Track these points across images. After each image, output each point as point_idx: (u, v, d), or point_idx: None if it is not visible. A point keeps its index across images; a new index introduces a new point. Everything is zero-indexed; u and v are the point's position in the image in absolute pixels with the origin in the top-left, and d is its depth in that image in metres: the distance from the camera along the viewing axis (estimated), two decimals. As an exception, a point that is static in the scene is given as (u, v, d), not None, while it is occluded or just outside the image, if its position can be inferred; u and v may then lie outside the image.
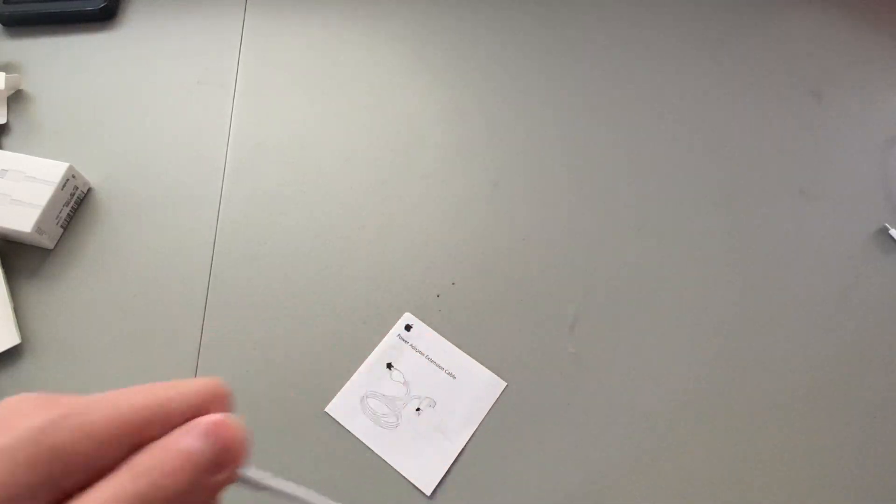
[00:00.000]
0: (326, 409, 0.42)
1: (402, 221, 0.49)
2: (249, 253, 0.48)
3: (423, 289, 0.47)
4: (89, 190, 0.50)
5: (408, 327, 0.45)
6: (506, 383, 0.43)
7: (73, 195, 0.48)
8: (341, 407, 0.42)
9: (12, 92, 0.54)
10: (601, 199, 0.51)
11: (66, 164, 0.47)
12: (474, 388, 0.43)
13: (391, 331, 0.45)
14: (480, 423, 0.42)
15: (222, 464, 0.15)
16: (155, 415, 0.14)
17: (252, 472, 0.17)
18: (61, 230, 0.48)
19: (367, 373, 0.43)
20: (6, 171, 0.46)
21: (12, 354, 0.43)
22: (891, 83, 0.58)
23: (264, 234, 0.48)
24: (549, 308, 0.46)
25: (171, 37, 0.58)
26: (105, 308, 0.45)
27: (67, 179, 0.47)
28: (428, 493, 0.40)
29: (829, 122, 0.56)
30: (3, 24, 0.58)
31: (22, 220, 0.44)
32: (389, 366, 0.44)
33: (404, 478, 0.40)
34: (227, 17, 0.59)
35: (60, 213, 0.47)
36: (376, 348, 0.44)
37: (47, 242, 0.46)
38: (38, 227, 0.45)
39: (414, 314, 0.46)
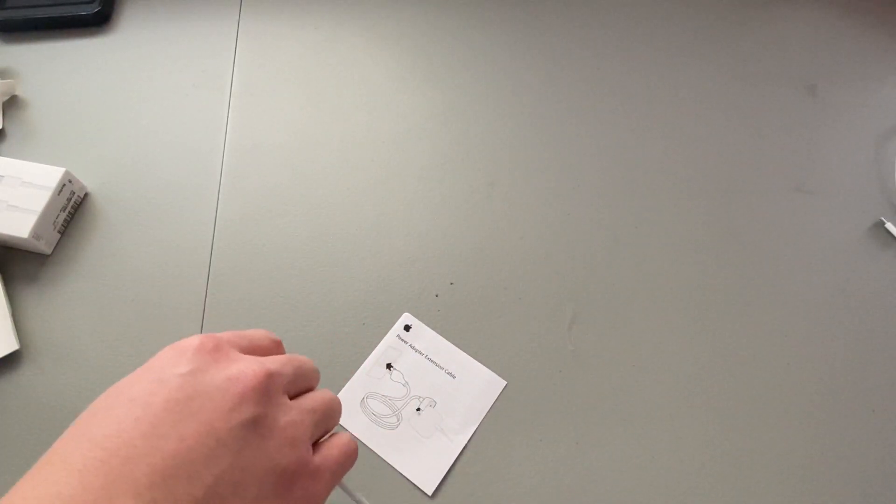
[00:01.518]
0: (327, 411, 0.42)
1: (399, 222, 0.49)
2: (247, 255, 0.48)
3: (421, 289, 0.47)
4: (86, 195, 0.50)
5: (407, 327, 0.45)
6: (506, 382, 0.43)
7: (69, 200, 0.48)
8: (341, 408, 0.42)
9: (7, 97, 0.54)
10: (597, 198, 0.51)
11: (63, 170, 0.47)
12: (474, 387, 0.43)
13: (390, 331, 0.45)
14: (481, 422, 0.42)
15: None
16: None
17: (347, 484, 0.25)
18: (58, 235, 0.48)
19: (367, 373, 0.43)
20: (2, 176, 0.46)
21: (11, 360, 0.43)
22: (885, 77, 0.58)
23: (262, 236, 0.48)
24: (548, 306, 0.46)
25: (167, 40, 0.57)
26: (103, 312, 0.45)
27: (64, 184, 0.47)
28: (429, 492, 0.40)
29: (824, 116, 0.56)
30: (-3, 30, 0.58)
31: (19, 225, 0.44)
32: (389, 366, 0.44)
33: (406, 478, 0.40)
34: (222, 19, 0.59)
35: (57, 218, 0.47)
36: (375, 349, 0.44)
37: (45, 248, 0.46)
38: (35, 233, 0.45)
39: (413, 314, 0.46)
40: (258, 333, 0.24)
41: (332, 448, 0.23)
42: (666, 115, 0.55)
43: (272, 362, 0.21)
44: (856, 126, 0.55)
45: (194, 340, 0.21)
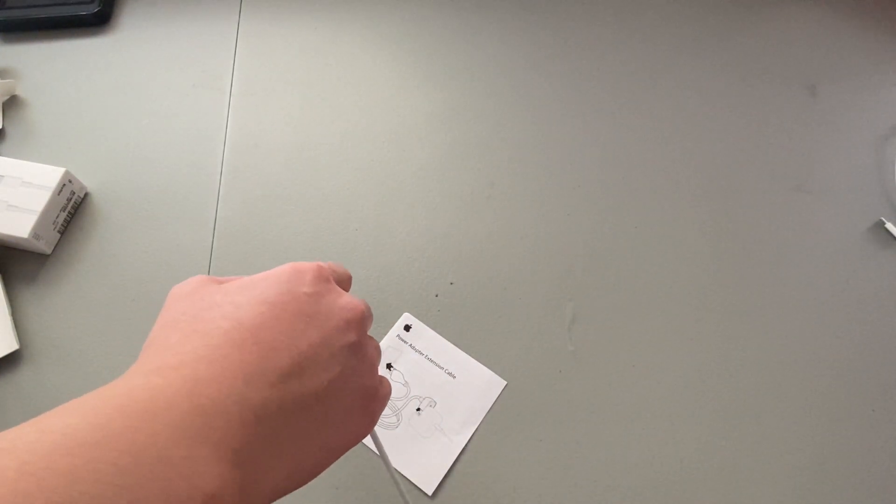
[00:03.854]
0: (327, 411, 0.42)
1: (399, 222, 0.49)
2: (247, 255, 0.48)
3: (421, 289, 0.47)
4: (86, 195, 0.50)
5: (407, 327, 0.45)
6: (506, 382, 0.43)
7: (69, 200, 0.48)
8: (341, 408, 0.42)
9: (7, 97, 0.54)
10: (598, 197, 0.51)
11: (63, 169, 0.47)
12: (474, 387, 0.43)
13: (390, 331, 0.45)
14: (481, 422, 0.42)
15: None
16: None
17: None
18: (58, 235, 0.48)
19: (367, 374, 0.43)
20: (2, 176, 0.46)
21: (11, 360, 0.43)
22: (885, 77, 0.58)
23: (262, 236, 0.48)
24: (548, 306, 0.46)
25: (167, 40, 0.57)
26: (103, 313, 0.45)
27: (64, 184, 0.47)
28: (430, 492, 0.40)
29: (824, 116, 0.56)
30: (-3, 30, 0.58)
31: (19, 225, 0.44)
32: (389, 366, 0.44)
33: (406, 478, 0.40)
34: (223, 19, 0.59)
35: (57, 218, 0.47)
36: (376, 349, 0.44)
37: (44, 248, 0.46)
38: (35, 233, 0.45)
39: (413, 314, 0.46)
40: (343, 269, 0.29)
41: (385, 385, 0.27)
42: (666, 115, 0.55)
43: (362, 302, 0.26)
44: (856, 126, 0.55)
45: (312, 266, 0.24)
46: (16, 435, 0.15)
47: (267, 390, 0.19)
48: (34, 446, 0.15)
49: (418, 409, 0.42)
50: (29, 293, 0.46)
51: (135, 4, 0.59)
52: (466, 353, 0.44)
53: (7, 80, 0.53)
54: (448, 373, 0.44)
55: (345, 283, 0.29)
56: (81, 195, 0.49)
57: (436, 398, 0.43)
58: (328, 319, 0.23)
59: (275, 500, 0.21)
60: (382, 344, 0.44)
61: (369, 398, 0.25)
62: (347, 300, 0.24)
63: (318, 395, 0.21)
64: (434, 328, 0.45)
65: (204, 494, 0.17)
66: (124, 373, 0.20)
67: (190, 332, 0.20)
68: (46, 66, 0.56)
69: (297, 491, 0.32)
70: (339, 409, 0.23)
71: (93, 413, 0.16)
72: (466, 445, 0.41)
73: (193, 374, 0.18)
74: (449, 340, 0.45)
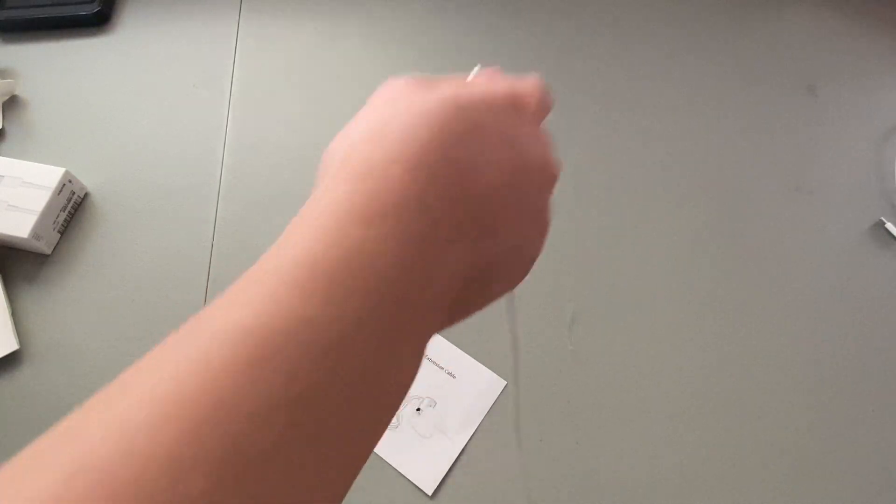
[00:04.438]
0: (327, 411, 0.42)
1: (399, 222, 0.49)
2: (247, 255, 0.48)
3: (421, 289, 0.46)
4: (86, 195, 0.50)
5: (407, 327, 0.45)
6: (506, 382, 0.43)
7: (69, 200, 0.48)
8: (341, 408, 0.42)
9: (7, 97, 0.54)
10: (597, 197, 0.51)
11: (63, 170, 0.47)
12: (474, 387, 0.43)
13: (390, 331, 0.45)
14: (481, 422, 0.42)
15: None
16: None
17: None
18: (58, 235, 0.48)
19: (367, 374, 0.43)
20: (2, 177, 0.46)
21: (11, 360, 0.43)
22: (885, 77, 0.58)
23: (262, 236, 0.48)
24: (548, 307, 0.46)
25: (167, 40, 0.57)
26: (103, 313, 0.45)
27: (64, 184, 0.47)
28: (429, 492, 0.40)
29: (824, 117, 0.56)
30: (-3, 30, 0.58)
31: (19, 225, 0.44)
32: (389, 366, 0.44)
33: (406, 478, 0.40)
34: (223, 20, 0.59)
35: (57, 218, 0.47)
36: (376, 349, 0.44)
37: (44, 248, 0.46)
38: (35, 233, 0.45)
39: (413, 314, 0.45)
40: None
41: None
42: (666, 115, 0.55)
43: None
44: (856, 126, 0.55)
45: (535, 93, 0.22)
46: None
47: (462, 251, 0.18)
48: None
49: (418, 409, 0.42)
50: (29, 293, 0.46)
51: (135, 4, 0.59)
52: (467, 353, 0.44)
53: (7, 80, 0.53)
54: (448, 373, 0.43)
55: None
56: (81, 195, 0.49)
57: (436, 398, 0.43)
58: (533, 179, 0.21)
59: None
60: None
61: (530, 264, 0.23)
62: (553, 155, 0.22)
63: (497, 264, 0.20)
64: (434, 328, 0.45)
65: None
66: (320, 194, 0.18)
67: (394, 157, 0.17)
68: (46, 66, 0.56)
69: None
70: (505, 279, 0.22)
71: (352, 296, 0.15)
72: (466, 445, 0.41)
73: (406, 230, 0.17)
74: (449, 340, 0.45)
